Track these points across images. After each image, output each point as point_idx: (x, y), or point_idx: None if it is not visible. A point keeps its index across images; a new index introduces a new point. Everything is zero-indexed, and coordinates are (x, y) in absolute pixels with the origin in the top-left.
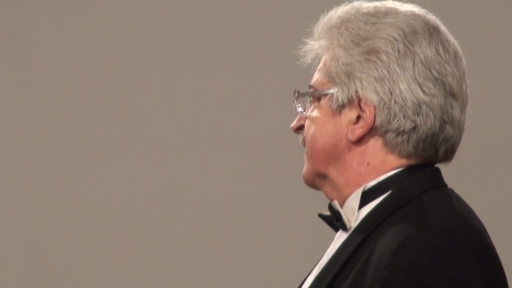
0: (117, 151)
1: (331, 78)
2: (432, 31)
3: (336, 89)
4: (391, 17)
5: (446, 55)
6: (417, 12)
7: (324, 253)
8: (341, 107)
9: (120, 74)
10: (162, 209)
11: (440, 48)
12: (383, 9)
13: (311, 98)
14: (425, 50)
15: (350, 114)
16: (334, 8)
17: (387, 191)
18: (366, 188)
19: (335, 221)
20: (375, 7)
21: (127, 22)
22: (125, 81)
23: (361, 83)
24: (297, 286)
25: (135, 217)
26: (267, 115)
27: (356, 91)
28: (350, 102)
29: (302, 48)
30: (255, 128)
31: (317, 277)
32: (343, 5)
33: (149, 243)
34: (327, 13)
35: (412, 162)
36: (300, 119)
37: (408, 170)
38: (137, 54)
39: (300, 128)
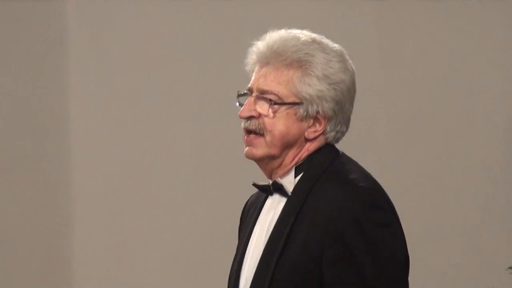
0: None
1: (300, 95)
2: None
3: (307, 104)
4: (334, 54)
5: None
6: (338, 48)
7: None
8: (307, 116)
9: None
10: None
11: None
12: (325, 42)
13: (273, 103)
14: (349, 78)
15: (309, 121)
16: (280, 39)
17: (309, 164)
18: (298, 164)
19: (274, 191)
20: (320, 42)
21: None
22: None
23: (327, 104)
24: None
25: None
26: None
27: (322, 108)
28: (315, 114)
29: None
30: None
31: (270, 238)
32: (291, 37)
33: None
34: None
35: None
36: (251, 111)
37: (320, 149)
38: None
39: (250, 118)
